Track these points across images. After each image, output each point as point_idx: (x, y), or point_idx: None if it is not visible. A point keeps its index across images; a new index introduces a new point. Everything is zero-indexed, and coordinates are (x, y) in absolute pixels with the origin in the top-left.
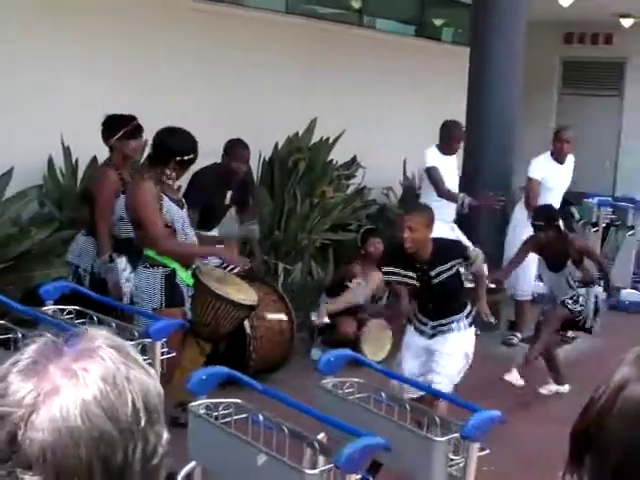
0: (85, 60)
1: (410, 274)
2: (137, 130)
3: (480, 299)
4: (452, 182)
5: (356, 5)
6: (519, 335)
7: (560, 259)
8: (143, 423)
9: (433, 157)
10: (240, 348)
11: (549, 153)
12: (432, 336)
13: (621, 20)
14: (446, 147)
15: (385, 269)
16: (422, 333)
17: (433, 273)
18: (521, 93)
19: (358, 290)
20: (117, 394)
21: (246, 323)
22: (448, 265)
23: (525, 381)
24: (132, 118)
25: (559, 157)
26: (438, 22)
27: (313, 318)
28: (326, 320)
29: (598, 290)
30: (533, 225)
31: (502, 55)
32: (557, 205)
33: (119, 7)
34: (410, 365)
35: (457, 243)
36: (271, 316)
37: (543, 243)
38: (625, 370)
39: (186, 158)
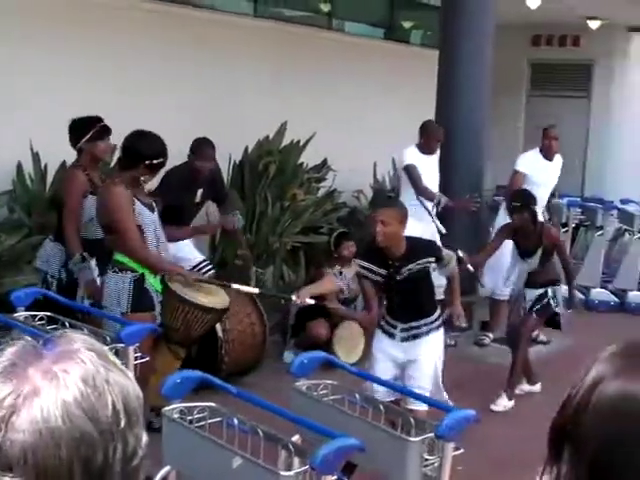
0: (53, 65)
1: (381, 271)
2: (105, 131)
3: (454, 301)
4: (431, 182)
5: (325, 8)
6: (491, 335)
7: (532, 246)
8: (123, 425)
9: (412, 156)
10: (212, 352)
11: (537, 149)
12: (403, 340)
13: (588, 22)
14: (425, 146)
15: (359, 262)
16: (391, 336)
17: (404, 270)
18: (490, 95)
19: (336, 278)
20: (97, 396)
21: (218, 327)
22: (420, 263)
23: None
24: (99, 120)
25: (547, 154)
26: (407, 25)
27: (293, 297)
28: (309, 301)
29: (562, 289)
30: (509, 208)
31: (471, 57)
32: (543, 202)
33: (86, 10)
34: (382, 368)
35: (431, 243)
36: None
37: (517, 226)
38: (600, 367)
39: (156, 162)
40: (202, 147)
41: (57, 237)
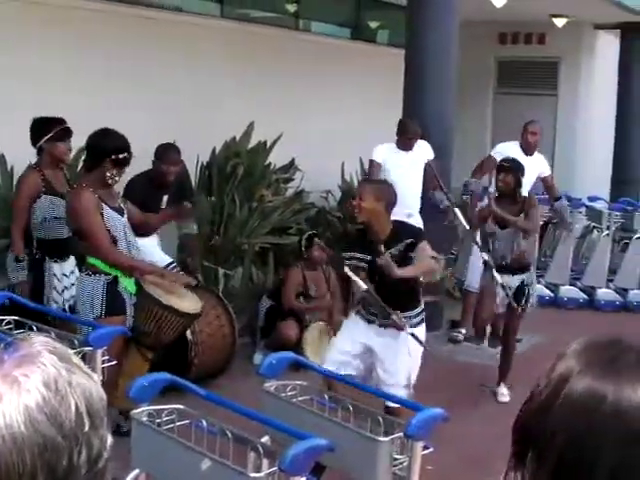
0: (18, 66)
1: (365, 257)
2: (66, 133)
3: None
4: (406, 178)
5: (292, 9)
6: (463, 331)
7: (513, 214)
8: (87, 428)
9: (380, 152)
10: (181, 354)
11: (517, 142)
12: (381, 326)
13: (554, 20)
14: (399, 143)
15: (344, 254)
16: (370, 322)
17: (386, 254)
18: (456, 93)
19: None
20: (60, 399)
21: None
22: (400, 247)
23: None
24: (61, 121)
25: (526, 149)
26: (373, 24)
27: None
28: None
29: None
30: (499, 166)
31: (436, 55)
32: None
33: (51, 13)
34: (344, 344)
35: (418, 229)
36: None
37: (502, 189)
38: (566, 364)
39: (121, 156)
40: (167, 152)
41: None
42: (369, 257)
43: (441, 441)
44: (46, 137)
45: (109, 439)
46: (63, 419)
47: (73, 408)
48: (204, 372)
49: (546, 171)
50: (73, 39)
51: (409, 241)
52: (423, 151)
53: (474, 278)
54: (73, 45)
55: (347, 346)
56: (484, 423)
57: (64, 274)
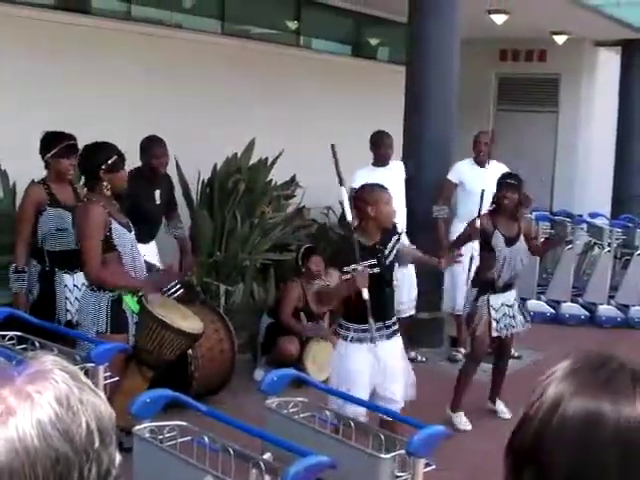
0: (20, 84)
1: (371, 262)
2: (70, 149)
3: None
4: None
5: (293, 26)
6: (462, 350)
7: (515, 233)
8: (97, 444)
9: (360, 177)
10: (181, 370)
11: (471, 158)
12: (382, 337)
13: (554, 37)
14: (375, 159)
15: (345, 269)
16: (366, 340)
17: (386, 251)
18: (456, 110)
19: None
20: (72, 415)
21: None
22: (392, 242)
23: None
24: (69, 137)
25: (479, 161)
26: (374, 41)
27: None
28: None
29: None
30: (500, 183)
31: (437, 73)
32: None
33: (54, 31)
34: (362, 384)
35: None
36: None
37: (506, 207)
38: (558, 386)
39: (110, 162)
40: (153, 146)
41: (32, 253)
42: (373, 261)
43: (442, 457)
44: (51, 152)
45: (117, 457)
46: (75, 435)
47: (84, 425)
48: (204, 387)
49: None
50: (75, 56)
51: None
52: (398, 169)
53: (457, 302)
54: (76, 62)
55: (366, 389)
56: (485, 439)
57: (75, 285)
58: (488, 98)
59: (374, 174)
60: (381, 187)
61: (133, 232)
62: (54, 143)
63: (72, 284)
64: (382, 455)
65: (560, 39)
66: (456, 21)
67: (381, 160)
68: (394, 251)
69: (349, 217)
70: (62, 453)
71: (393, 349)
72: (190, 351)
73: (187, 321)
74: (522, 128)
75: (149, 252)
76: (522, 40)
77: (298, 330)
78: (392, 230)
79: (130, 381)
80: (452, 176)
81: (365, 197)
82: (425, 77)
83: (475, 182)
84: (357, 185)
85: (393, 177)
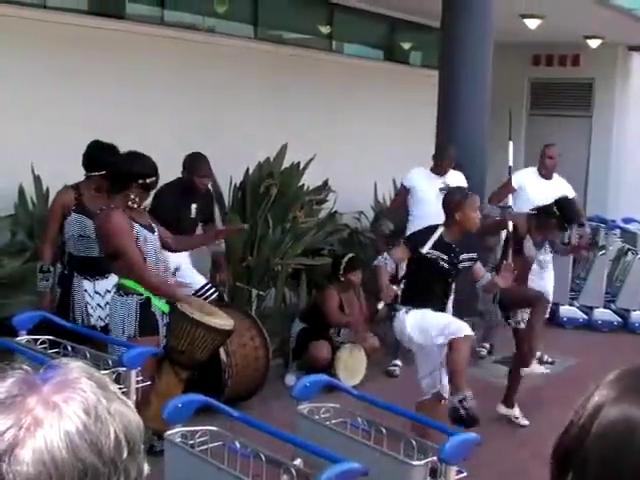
0: (54, 88)
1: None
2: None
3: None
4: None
5: (325, 31)
6: (487, 346)
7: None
8: (125, 455)
9: (414, 175)
10: (215, 375)
11: (536, 168)
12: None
13: (587, 41)
14: (435, 167)
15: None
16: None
17: (460, 256)
18: (489, 115)
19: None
20: (99, 426)
21: (221, 350)
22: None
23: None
24: (117, 151)
25: (544, 173)
26: (407, 46)
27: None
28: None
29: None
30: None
31: (470, 78)
32: None
33: (89, 36)
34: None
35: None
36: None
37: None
38: (602, 393)
39: (148, 181)
40: (198, 163)
41: (55, 259)
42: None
43: (473, 462)
44: (102, 172)
45: (145, 468)
46: (103, 446)
47: (112, 435)
48: (236, 393)
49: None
50: (115, 62)
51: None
52: (457, 180)
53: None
54: (110, 67)
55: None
56: (515, 445)
57: (97, 292)
58: (521, 103)
59: (428, 180)
60: (472, 194)
61: (156, 234)
62: (109, 159)
63: (93, 290)
64: (414, 462)
65: (594, 43)
66: (489, 25)
67: (439, 170)
68: (465, 264)
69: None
70: (90, 464)
71: None
72: (225, 358)
73: (217, 318)
74: (555, 133)
75: (184, 263)
76: (555, 44)
77: (350, 325)
78: (475, 246)
79: (165, 383)
80: (515, 181)
81: (454, 200)
82: (458, 81)
83: (536, 191)
84: (407, 183)
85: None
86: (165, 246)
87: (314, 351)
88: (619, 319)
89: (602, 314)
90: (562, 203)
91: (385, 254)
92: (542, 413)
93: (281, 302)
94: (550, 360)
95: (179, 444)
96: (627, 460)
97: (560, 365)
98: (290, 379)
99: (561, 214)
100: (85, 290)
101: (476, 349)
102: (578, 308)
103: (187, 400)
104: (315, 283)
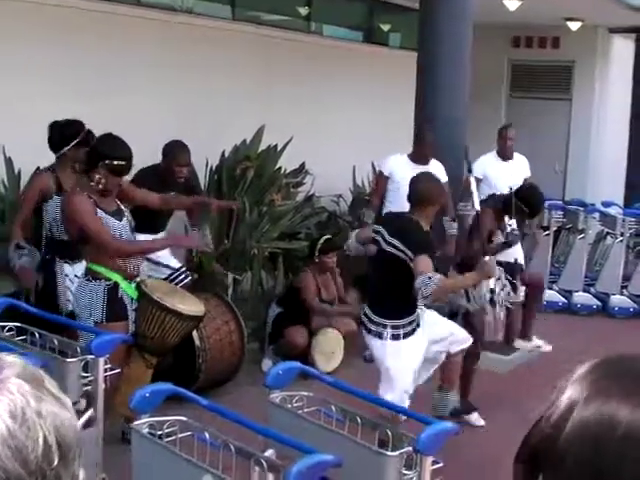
0: (25, 70)
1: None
2: (92, 137)
3: None
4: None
5: (303, 12)
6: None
7: None
8: (56, 462)
9: (391, 163)
10: (189, 360)
11: (494, 152)
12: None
13: (568, 23)
14: (415, 155)
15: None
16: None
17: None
18: (467, 97)
19: None
20: (26, 431)
21: (195, 334)
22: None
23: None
24: (81, 124)
25: (505, 154)
26: (386, 27)
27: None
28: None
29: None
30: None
31: (449, 59)
32: None
33: (62, 15)
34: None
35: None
36: None
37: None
38: (574, 389)
39: (116, 163)
40: (177, 151)
41: (34, 243)
42: None
43: (450, 451)
44: (72, 143)
45: (81, 475)
46: (29, 453)
47: (41, 441)
48: (212, 379)
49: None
50: (87, 41)
51: None
52: (437, 170)
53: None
54: (84, 47)
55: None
56: (495, 431)
57: (76, 275)
58: (501, 85)
59: (408, 168)
60: None
61: (125, 219)
62: (70, 133)
63: (72, 274)
64: (389, 453)
65: (574, 25)
66: (468, 5)
67: (419, 158)
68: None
69: (477, 206)
70: (13, 473)
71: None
72: (198, 343)
73: (187, 304)
74: (535, 115)
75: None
76: (535, 26)
77: (329, 312)
78: None
79: (134, 370)
80: (476, 170)
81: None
82: (437, 63)
83: (498, 175)
84: (386, 170)
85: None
86: (149, 205)
87: (290, 336)
88: (598, 303)
89: (581, 298)
90: (524, 194)
91: None
92: (518, 402)
93: (258, 286)
94: (538, 344)
95: (146, 435)
96: (606, 459)
97: (537, 350)
98: (266, 364)
99: (526, 206)
100: (66, 275)
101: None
102: (557, 292)
103: (155, 389)
104: (292, 267)
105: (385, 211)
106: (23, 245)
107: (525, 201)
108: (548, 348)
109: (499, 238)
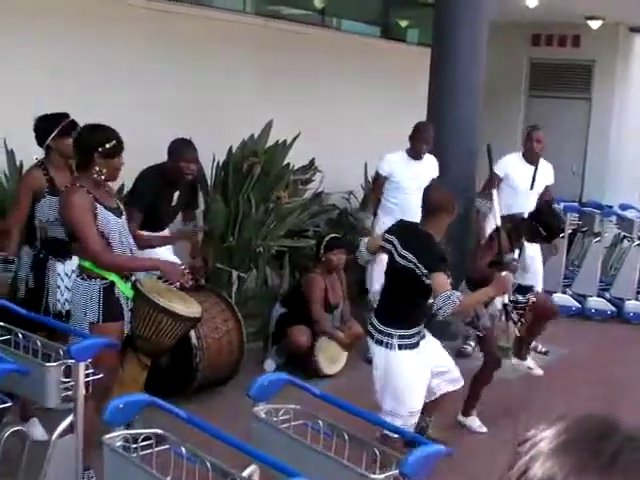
0: (27, 61)
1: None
2: (72, 126)
3: None
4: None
5: (319, 5)
6: (472, 344)
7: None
8: None
9: (389, 162)
10: (186, 359)
11: (520, 153)
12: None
13: (588, 22)
14: (411, 150)
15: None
16: (415, 346)
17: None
18: (486, 95)
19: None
20: None
21: (192, 334)
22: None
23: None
24: (65, 115)
25: (532, 158)
26: (403, 23)
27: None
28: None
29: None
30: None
31: (464, 55)
32: (525, 208)
33: (65, 5)
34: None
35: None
36: None
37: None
38: (547, 464)
39: (108, 146)
40: (185, 149)
41: (27, 240)
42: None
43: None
44: (53, 134)
45: None
46: None
47: None
48: (210, 378)
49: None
50: (91, 36)
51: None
52: (432, 165)
53: None
54: (90, 42)
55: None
56: (494, 441)
57: (67, 273)
58: (520, 84)
59: (405, 166)
60: None
61: (124, 217)
62: (53, 125)
63: (64, 272)
64: (374, 476)
65: (595, 24)
66: (484, 3)
67: (415, 152)
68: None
69: (498, 221)
70: None
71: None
72: (195, 342)
73: (184, 304)
74: (554, 115)
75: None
76: (555, 25)
77: (328, 330)
78: None
79: (128, 371)
80: (499, 170)
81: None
82: (451, 59)
83: (521, 178)
84: (383, 171)
85: (425, 172)
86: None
87: (294, 337)
88: (613, 308)
89: (596, 303)
90: (545, 219)
91: None
92: (533, 406)
93: (262, 284)
94: (544, 350)
95: (119, 450)
96: None
97: (552, 355)
98: (269, 364)
99: (544, 229)
100: (58, 274)
101: (460, 349)
102: (571, 296)
103: (129, 400)
104: (299, 265)
105: (383, 208)
106: (11, 259)
107: (544, 225)
108: (539, 372)
109: (512, 257)
